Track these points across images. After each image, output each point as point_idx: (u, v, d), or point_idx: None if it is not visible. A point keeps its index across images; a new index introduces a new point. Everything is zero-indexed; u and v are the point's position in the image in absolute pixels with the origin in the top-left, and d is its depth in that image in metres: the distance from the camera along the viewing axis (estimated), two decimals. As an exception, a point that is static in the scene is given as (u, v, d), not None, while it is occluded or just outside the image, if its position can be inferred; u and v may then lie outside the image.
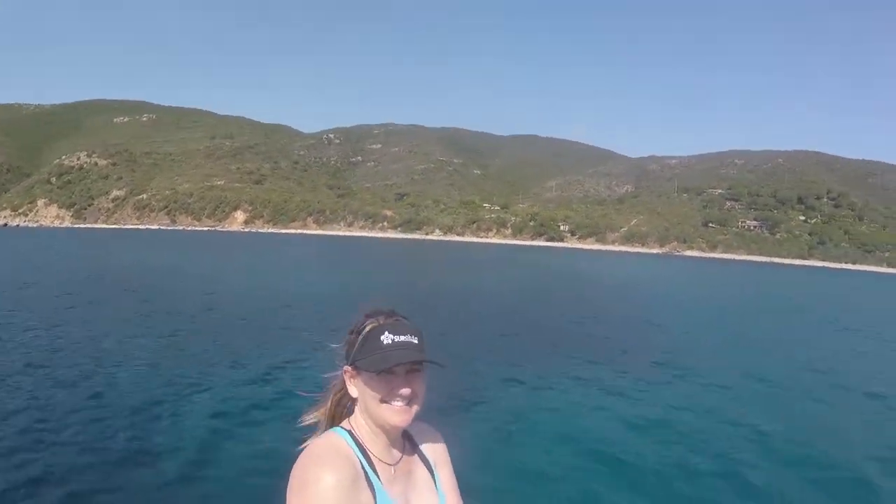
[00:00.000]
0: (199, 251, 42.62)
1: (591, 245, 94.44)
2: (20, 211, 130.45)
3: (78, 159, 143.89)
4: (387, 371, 1.22)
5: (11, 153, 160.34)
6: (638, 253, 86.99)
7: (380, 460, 1.29)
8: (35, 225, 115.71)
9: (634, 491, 5.31)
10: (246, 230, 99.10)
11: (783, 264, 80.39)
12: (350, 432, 1.29)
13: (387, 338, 1.24)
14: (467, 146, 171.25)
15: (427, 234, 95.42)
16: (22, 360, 8.52)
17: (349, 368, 1.29)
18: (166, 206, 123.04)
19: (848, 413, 8.47)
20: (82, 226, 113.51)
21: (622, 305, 20.47)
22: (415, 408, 1.28)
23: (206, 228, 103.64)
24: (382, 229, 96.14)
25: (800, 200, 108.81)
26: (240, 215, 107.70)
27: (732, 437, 6.84)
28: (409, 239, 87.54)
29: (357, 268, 35.03)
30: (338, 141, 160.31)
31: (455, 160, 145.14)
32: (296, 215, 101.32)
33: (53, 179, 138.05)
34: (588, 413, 7.62)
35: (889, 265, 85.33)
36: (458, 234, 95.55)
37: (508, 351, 11.31)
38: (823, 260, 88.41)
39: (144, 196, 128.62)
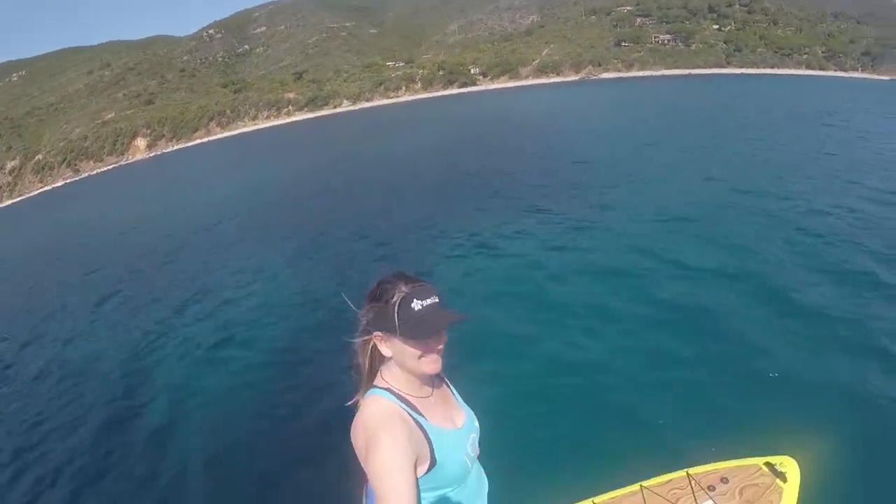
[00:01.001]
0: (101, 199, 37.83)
1: (505, 83, 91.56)
2: None
3: None
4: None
5: None
6: (554, 83, 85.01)
7: (420, 399, 1.49)
8: None
9: (581, 333, 5.46)
10: (151, 155, 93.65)
11: (702, 75, 79.25)
12: (388, 390, 1.46)
13: (416, 304, 1.38)
14: (356, 5, 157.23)
15: (336, 107, 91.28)
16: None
17: (380, 334, 1.43)
18: (65, 159, 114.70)
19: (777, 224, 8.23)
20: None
21: (542, 145, 19.25)
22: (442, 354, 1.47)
23: (110, 167, 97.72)
24: (289, 114, 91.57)
25: (711, 9, 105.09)
26: (141, 142, 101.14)
27: (659, 270, 6.76)
28: (320, 116, 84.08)
29: (262, 164, 33.49)
30: (219, 35, 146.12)
31: (347, 24, 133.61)
32: (197, 124, 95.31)
33: None
34: (529, 264, 7.55)
35: (808, 67, 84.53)
36: (367, 101, 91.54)
37: (434, 216, 11.10)
38: (742, 67, 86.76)
39: (40, 156, 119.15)
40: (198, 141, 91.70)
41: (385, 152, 24.58)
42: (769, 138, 16.03)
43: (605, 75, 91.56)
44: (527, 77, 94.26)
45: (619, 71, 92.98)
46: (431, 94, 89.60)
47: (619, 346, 5.13)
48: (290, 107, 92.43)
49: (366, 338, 1.47)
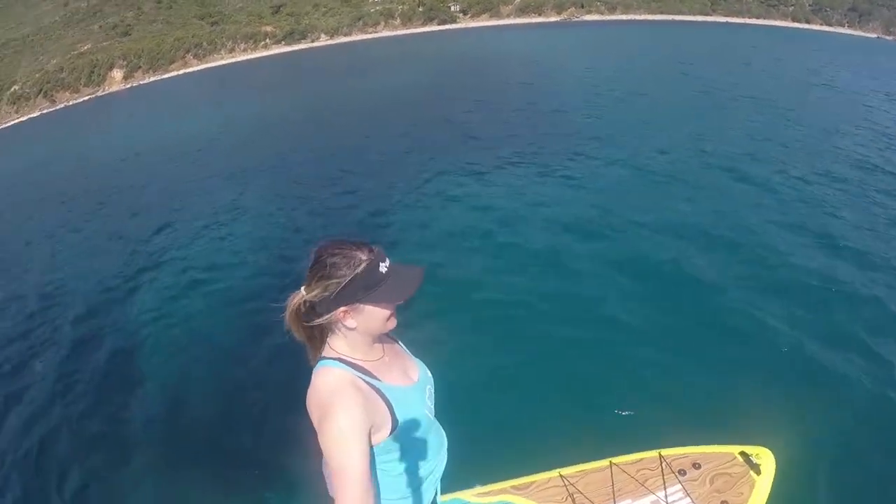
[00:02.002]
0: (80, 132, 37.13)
1: (485, 22, 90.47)
2: None
3: None
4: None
5: None
6: (536, 24, 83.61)
7: (374, 363, 1.46)
8: None
9: (555, 296, 5.24)
10: (127, 86, 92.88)
11: (686, 21, 78.14)
12: (339, 359, 1.42)
13: (382, 267, 1.36)
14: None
15: (313, 41, 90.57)
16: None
17: (345, 308, 1.37)
18: (41, 90, 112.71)
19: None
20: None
21: (523, 90, 18.65)
22: None
23: (86, 98, 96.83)
24: (266, 47, 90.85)
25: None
26: (117, 74, 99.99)
27: (632, 233, 6.46)
28: (297, 50, 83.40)
29: (237, 98, 32.75)
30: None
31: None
32: (173, 56, 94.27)
33: None
34: (520, 214, 7.35)
35: (793, 19, 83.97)
36: (345, 36, 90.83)
37: (418, 163, 10.73)
38: (727, 15, 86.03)
39: (16, 87, 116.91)
40: (174, 73, 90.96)
41: (361, 90, 24.10)
42: (753, 95, 15.50)
43: (588, 17, 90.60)
44: (508, 16, 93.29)
45: (601, 13, 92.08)
46: (410, 31, 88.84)
47: (596, 313, 4.92)
48: (268, 40, 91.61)
49: (324, 320, 1.40)
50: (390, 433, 1.39)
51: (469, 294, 5.39)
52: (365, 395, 1.36)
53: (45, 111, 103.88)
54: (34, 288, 8.20)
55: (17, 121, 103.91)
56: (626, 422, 3.54)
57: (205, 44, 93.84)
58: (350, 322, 1.39)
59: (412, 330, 1.87)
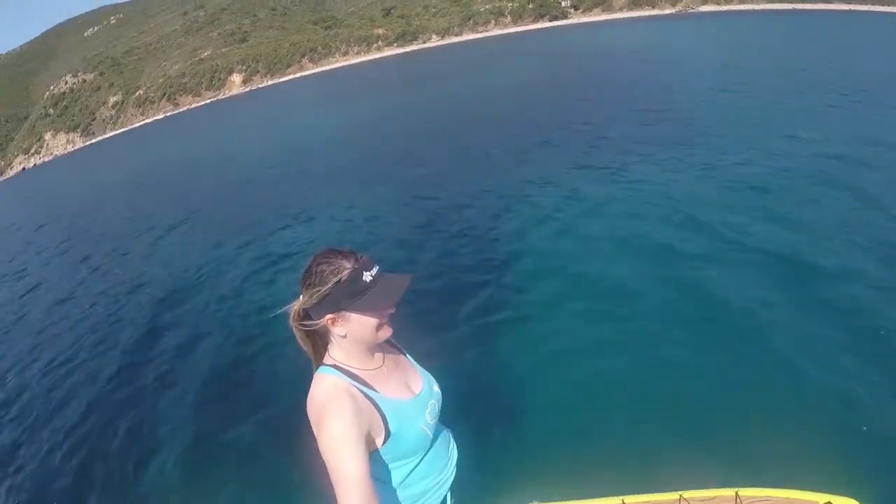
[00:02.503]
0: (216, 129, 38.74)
1: (597, 17, 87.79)
2: (31, 151, 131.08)
3: (66, 83, 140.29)
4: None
5: (1, 105, 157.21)
6: (649, 17, 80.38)
7: (370, 372, 1.48)
8: (50, 158, 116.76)
9: (635, 312, 4.74)
10: (246, 90, 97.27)
11: (807, 10, 70.85)
12: (335, 367, 1.44)
13: (367, 276, 1.36)
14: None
15: (424, 42, 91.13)
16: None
17: (332, 316, 1.38)
18: (164, 94, 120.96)
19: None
20: (94, 141, 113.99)
21: (641, 89, 16.65)
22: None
23: (208, 101, 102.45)
24: (379, 49, 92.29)
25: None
26: (236, 78, 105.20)
27: (736, 252, 5.49)
28: (409, 52, 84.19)
29: (354, 98, 33.00)
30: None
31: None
32: (290, 60, 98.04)
33: (51, 111, 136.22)
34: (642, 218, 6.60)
35: None
36: (456, 35, 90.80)
37: (523, 162, 10.07)
38: (850, 3, 76.53)
39: (141, 92, 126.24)
40: (291, 76, 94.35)
41: (475, 90, 23.18)
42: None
43: (704, 8, 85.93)
44: (620, 10, 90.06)
45: (717, 4, 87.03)
46: (521, 28, 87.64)
47: (674, 332, 4.42)
48: (380, 42, 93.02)
49: (313, 326, 1.42)
50: (384, 442, 1.40)
51: (605, 307, 4.88)
52: (358, 402, 1.36)
53: (168, 114, 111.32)
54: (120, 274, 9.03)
55: (142, 122, 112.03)
56: (699, 451, 3.18)
57: (319, 48, 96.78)
58: (339, 330, 1.41)
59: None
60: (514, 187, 8.71)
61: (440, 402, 1.63)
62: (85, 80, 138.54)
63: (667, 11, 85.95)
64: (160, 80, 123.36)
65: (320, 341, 1.48)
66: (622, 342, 4.34)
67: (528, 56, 37.33)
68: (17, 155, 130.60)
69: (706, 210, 6.54)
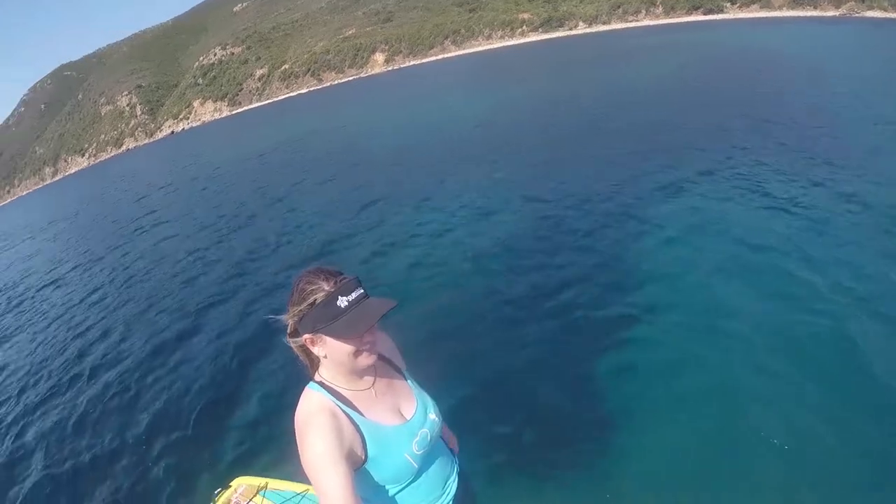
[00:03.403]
0: (372, 104, 39.52)
1: (755, 13, 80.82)
2: (180, 117, 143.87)
3: (215, 55, 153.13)
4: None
5: (154, 72, 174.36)
6: (809, 17, 73.42)
7: (355, 392, 1.45)
8: (198, 123, 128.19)
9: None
10: (388, 69, 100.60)
11: None
12: (321, 384, 1.43)
13: (342, 301, 1.32)
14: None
15: (571, 29, 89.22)
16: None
17: (309, 336, 1.36)
18: (309, 69, 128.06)
19: None
20: (240, 110, 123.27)
21: (803, 95, 13.57)
22: (377, 345, 1.44)
23: (350, 78, 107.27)
24: (523, 34, 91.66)
25: None
26: (379, 57, 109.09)
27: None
28: (554, 38, 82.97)
29: (497, 83, 32.87)
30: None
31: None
32: (433, 42, 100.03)
33: (200, 80, 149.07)
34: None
35: None
36: (604, 24, 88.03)
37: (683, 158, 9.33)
38: None
39: (287, 66, 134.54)
40: (433, 58, 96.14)
41: (629, 84, 21.27)
42: None
43: (869, 13, 76.83)
44: (780, 8, 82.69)
45: (884, 10, 77.32)
46: (673, 20, 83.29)
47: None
48: (525, 27, 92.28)
49: (296, 342, 1.41)
50: (362, 464, 1.38)
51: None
52: (340, 421, 1.35)
53: (312, 88, 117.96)
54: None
55: (286, 96, 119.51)
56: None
57: (462, 30, 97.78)
58: (318, 350, 1.39)
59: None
60: (659, 189, 8.02)
61: (436, 431, 1.57)
62: (233, 53, 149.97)
63: (829, 14, 78.02)
64: (305, 56, 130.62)
65: (314, 356, 1.45)
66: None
67: (690, 49, 33.74)
68: (167, 119, 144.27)
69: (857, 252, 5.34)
